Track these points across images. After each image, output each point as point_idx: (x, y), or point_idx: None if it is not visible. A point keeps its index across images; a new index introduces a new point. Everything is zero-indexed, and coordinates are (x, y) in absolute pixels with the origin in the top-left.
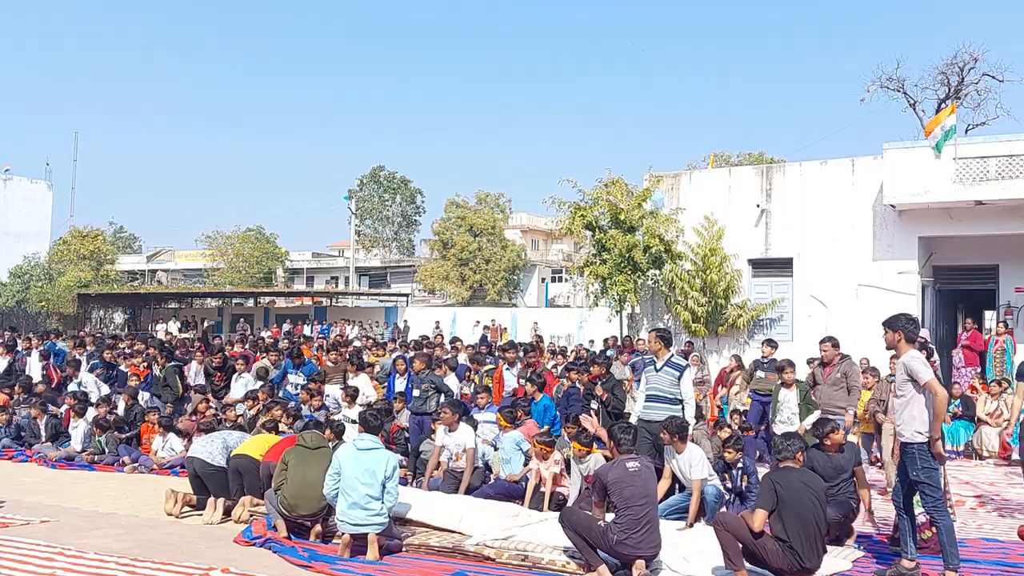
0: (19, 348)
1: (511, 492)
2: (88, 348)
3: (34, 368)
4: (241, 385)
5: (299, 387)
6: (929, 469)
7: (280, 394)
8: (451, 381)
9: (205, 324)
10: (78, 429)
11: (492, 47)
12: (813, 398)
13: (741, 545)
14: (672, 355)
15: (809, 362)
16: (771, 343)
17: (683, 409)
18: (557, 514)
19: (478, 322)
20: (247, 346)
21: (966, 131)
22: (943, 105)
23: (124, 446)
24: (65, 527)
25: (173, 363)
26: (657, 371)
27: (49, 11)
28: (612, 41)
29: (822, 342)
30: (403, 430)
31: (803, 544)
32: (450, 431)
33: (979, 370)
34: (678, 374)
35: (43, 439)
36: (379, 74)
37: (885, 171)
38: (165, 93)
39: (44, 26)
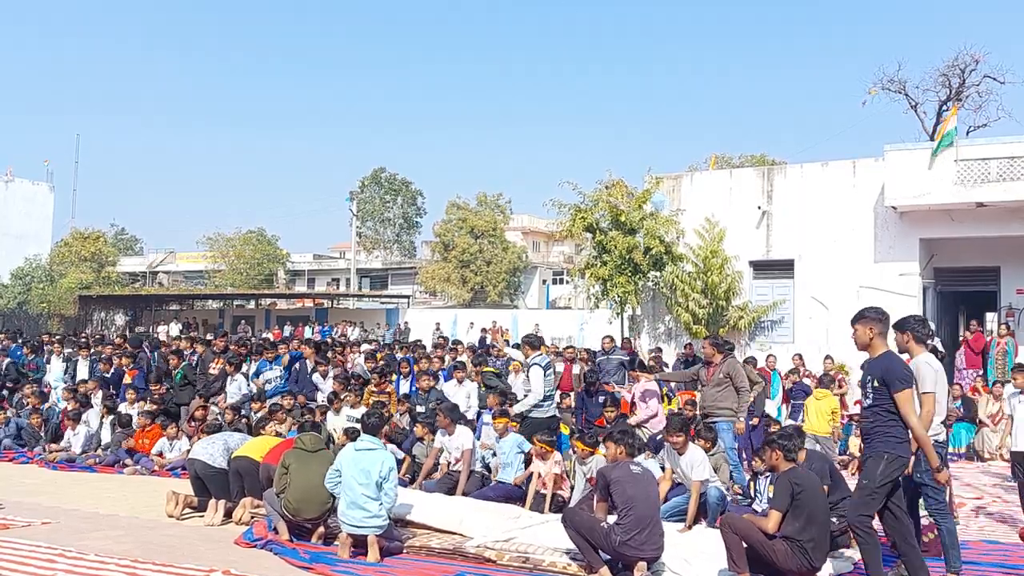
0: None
1: (512, 495)
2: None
3: (82, 371)
4: (235, 387)
5: (276, 379)
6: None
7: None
8: (470, 389)
9: (213, 335)
10: (78, 436)
11: (492, 47)
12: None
13: (746, 547)
14: (535, 355)
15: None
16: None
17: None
18: (558, 516)
19: (472, 324)
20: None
21: (967, 133)
22: (944, 107)
23: (124, 450)
24: (65, 529)
25: (186, 362)
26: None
27: (49, 11)
28: (612, 41)
29: (703, 341)
30: (402, 431)
31: (816, 543)
32: (447, 434)
33: (981, 372)
34: (526, 373)
35: (43, 441)
36: (379, 75)
37: (886, 173)
38: (165, 94)
39: (44, 26)
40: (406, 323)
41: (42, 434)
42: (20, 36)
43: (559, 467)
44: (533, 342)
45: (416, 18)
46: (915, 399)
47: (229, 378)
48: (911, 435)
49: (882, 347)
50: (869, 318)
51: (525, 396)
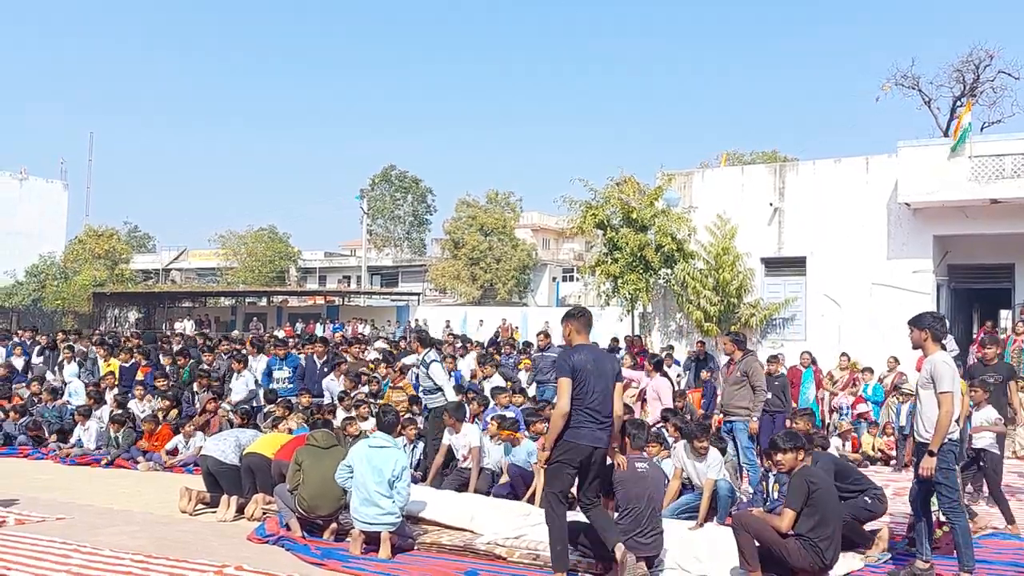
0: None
1: (527, 478)
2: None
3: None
4: (242, 384)
5: (284, 380)
6: (946, 470)
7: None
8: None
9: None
10: (89, 431)
11: (501, 47)
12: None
13: (758, 545)
14: (427, 352)
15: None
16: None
17: (443, 393)
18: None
19: (481, 322)
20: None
21: (981, 129)
22: (958, 103)
23: (136, 448)
24: (80, 524)
25: (192, 360)
26: (418, 366)
27: (63, 9)
28: (620, 40)
29: (723, 337)
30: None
31: (830, 542)
32: (454, 432)
33: None
34: (426, 368)
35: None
36: (389, 74)
37: (899, 169)
38: (178, 93)
39: (57, 26)
40: (419, 320)
41: (46, 432)
42: (33, 35)
43: None
44: (423, 339)
45: (426, 17)
46: (933, 399)
47: (236, 375)
48: None
49: (578, 340)
50: (568, 316)
51: (435, 389)
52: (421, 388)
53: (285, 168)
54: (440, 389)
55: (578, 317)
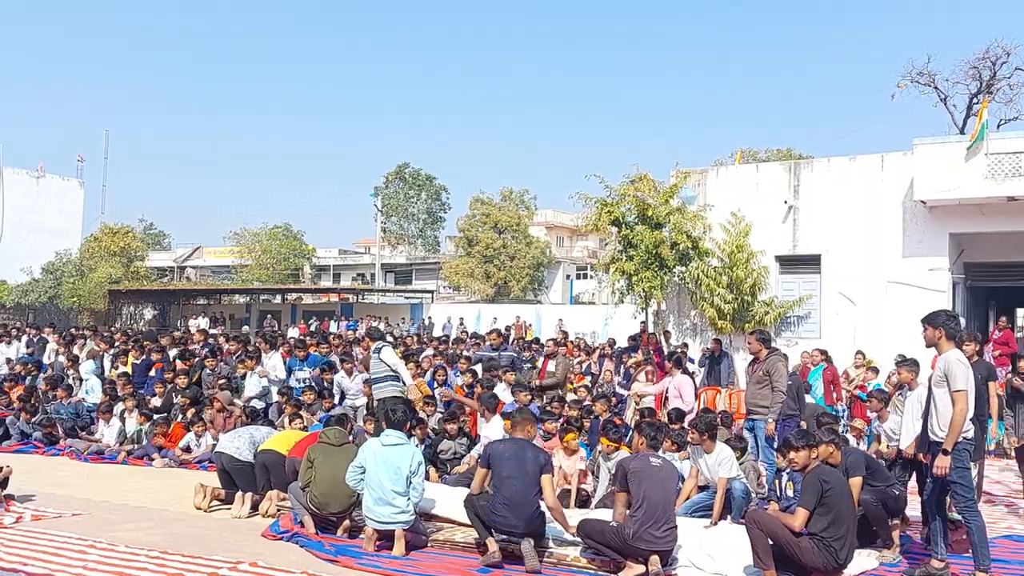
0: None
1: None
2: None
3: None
4: (255, 382)
5: (305, 381)
6: (961, 469)
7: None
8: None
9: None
10: (112, 428)
11: (513, 46)
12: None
13: (772, 544)
14: (378, 345)
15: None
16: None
17: (398, 379)
18: (582, 511)
19: (495, 319)
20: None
21: (998, 126)
22: (975, 100)
23: (152, 445)
24: (96, 520)
25: (198, 360)
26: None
27: (75, 7)
28: (635, 40)
29: (748, 335)
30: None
31: (843, 541)
32: (486, 422)
33: (1009, 369)
34: (378, 355)
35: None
36: (402, 72)
37: (915, 167)
38: (192, 91)
39: (73, 24)
40: (431, 318)
41: (60, 431)
42: (48, 33)
43: (583, 463)
44: (373, 335)
45: (439, 17)
46: (947, 397)
47: (249, 372)
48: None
49: (512, 434)
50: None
51: (385, 378)
52: (372, 379)
53: (299, 166)
54: (394, 375)
55: (516, 414)
